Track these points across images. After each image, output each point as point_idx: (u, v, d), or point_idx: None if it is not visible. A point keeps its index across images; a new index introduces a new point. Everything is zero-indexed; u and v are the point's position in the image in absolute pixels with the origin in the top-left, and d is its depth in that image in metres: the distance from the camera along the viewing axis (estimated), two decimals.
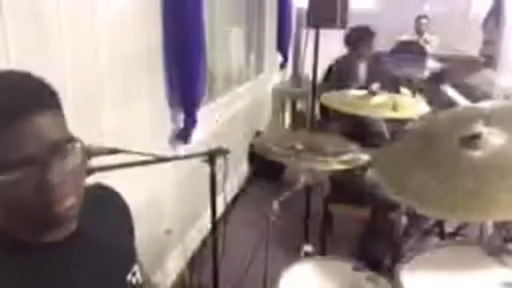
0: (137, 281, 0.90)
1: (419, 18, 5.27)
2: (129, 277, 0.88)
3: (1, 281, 0.68)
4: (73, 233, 0.78)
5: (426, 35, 5.18)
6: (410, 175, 1.26)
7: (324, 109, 3.48)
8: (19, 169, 0.64)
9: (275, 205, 1.72)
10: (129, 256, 0.93)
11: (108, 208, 0.92)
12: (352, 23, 3.15)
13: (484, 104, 1.52)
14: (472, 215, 1.11)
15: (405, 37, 4.96)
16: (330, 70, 3.62)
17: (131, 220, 0.99)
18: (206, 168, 1.63)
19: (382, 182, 1.34)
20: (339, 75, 3.46)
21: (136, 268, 0.91)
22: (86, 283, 0.78)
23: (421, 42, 4.91)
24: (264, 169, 3.72)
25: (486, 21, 4.64)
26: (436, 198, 1.17)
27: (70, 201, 0.69)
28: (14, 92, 0.66)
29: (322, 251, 2.43)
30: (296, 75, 5.36)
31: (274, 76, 4.83)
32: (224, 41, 3.41)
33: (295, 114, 5.38)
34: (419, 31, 5.23)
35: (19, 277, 0.70)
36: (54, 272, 0.74)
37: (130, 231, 0.99)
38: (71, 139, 0.70)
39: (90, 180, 0.92)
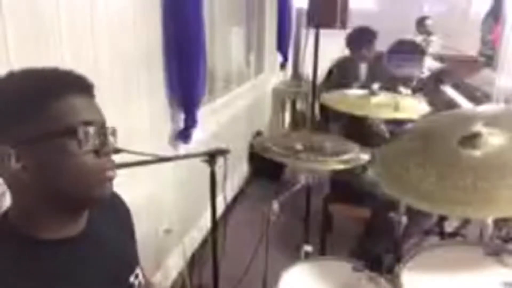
0: (139, 283, 0.91)
1: (422, 19, 5.21)
2: (131, 279, 0.90)
3: (18, 279, 0.70)
4: (83, 230, 0.81)
5: (431, 36, 5.13)
6: (409, 172, 1.26)
7: (324, 109, 3.48)
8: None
9: (275, 205, 1.72)
10: (132, 259, 0.95)
11: (114, 210, 0.94)
12: (352, 23, 3.15)
13: (484, 108, 1.52)
14: (471, 210, 1.11)
15: (407, 37, 4.94)
16: (330, 71, 3.61)
17: (133, 224, 1.02)
18: (206, 168, 1.63)
19: (381, 180, 1.34)
20: (340, 76, 3.45)
21: (138, 270, 0.93)
22: (91, 282, 0.80)
23: (421, 42, 4.89)
24: (264, 169, 3.71)
25: (484, 21, 4.64)
26: (435, 194, 1.17)
27: (114, 172, 0.78)
28: (57, 75, 0.78)
29: (322, 251, 2.43)
30: (296, 75, 5.36)
31: (274, 76, 4.83)
32: (224, 41, 3.41)
33: (295, 114, 5.37)
34: (424, 32, 5.16)
35: (31, 274, 0.72)
36: (63, 268, 0.76)
37: (132, 234, 1.02)
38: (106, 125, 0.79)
39: None
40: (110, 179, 0.78)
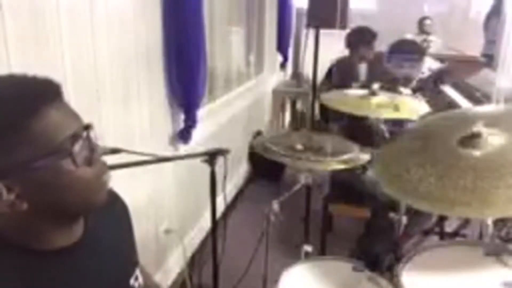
0: (139, 285, 0.90)
1: (422, 19, 5.24)
2: (132, 281, 0.89)
3: None
4: (81, 238, 0.79)
5: (431, 36, 5.15)
6: (409, 172, 1.26)
7: (324, 109, 3.48)
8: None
9: (275, 205, 1.72)
10: (132, 260, 0.94)
11: (112, 211, 0.92)
12: (352, 23, 3.14)
13: (484, 108, 1.52)
14: (471, 210, 1.11)
15: (407, 36, 4.95)
16: (330, 71, 3.61)
17: (130, 218, 1.00)
18: (206, 168, 1.63)
19: (381, 180, 1.34)
20: (339, 76, 3.46)
21: (138, 271, 0.92)
22: None
23: (422, 42, 4.89)
24: (264, 169, 3.71)
25: (487, 20, 4.63)
26: (435, 194, 1.17)
27: (109, 174, 0.77)
28: (24, 90, 0.68)
29: (322, 251, 2.43)
30: (296, 75, 5.36)
31: (274, 76, 4.83)
32: (224, 41, 3.41)
33: (295, 114, 5.37)
34: (423, 32, 5.19)
35: (30, 286, 0.70)
36: (61, 279, 0.74)
37: (131, 230, 1.00)
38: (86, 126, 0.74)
39: None
40: (107, 183, 0.76)
